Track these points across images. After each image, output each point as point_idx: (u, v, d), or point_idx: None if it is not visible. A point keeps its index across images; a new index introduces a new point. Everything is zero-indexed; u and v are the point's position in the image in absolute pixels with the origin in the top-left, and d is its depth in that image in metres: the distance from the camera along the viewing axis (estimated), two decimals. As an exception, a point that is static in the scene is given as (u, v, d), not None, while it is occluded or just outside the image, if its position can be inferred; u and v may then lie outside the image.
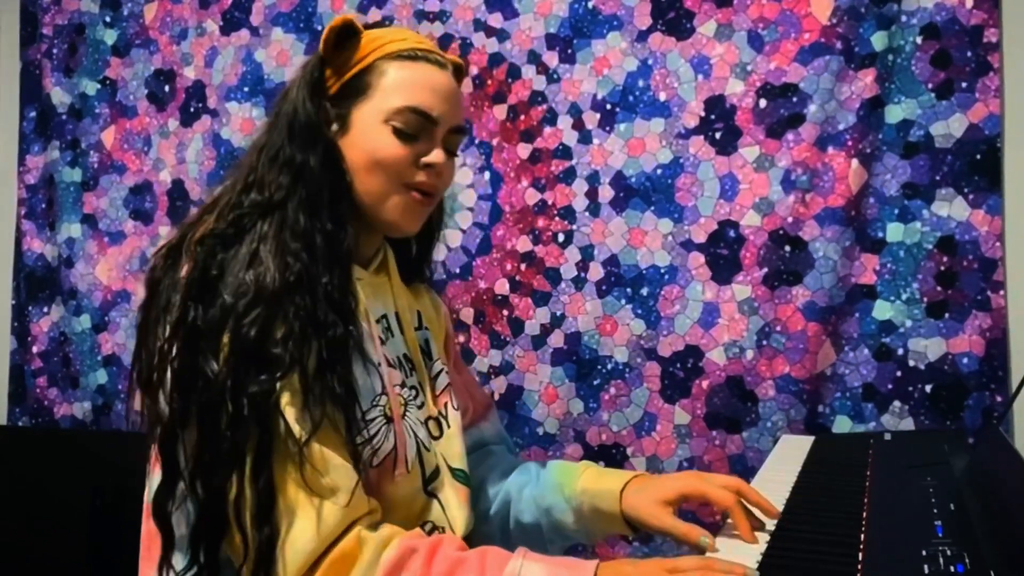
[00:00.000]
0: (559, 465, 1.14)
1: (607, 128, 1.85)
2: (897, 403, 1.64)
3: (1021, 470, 0.99)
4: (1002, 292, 1.59)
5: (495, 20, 1.95)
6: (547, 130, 1.90)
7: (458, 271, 1.97)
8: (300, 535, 0.83)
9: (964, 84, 1.62)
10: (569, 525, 1.08)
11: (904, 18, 1.65)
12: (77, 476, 2.11)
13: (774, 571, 0.84)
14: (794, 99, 1.71)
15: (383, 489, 0.94)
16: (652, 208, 1.81)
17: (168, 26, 2.30)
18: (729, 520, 0.97)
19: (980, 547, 0.82)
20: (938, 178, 1.64)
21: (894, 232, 1.66)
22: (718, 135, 1.77)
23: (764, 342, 1.72)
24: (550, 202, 1.90)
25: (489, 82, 1.96)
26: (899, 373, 1.65)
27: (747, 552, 0.90)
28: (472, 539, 1.06)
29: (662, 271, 1.80)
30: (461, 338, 1.96)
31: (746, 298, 1.74)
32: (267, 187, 0.94)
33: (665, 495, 1.00)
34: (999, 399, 1.58)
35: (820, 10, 1.69)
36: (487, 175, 1.95)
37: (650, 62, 1.82)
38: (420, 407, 1.04)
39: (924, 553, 0.81)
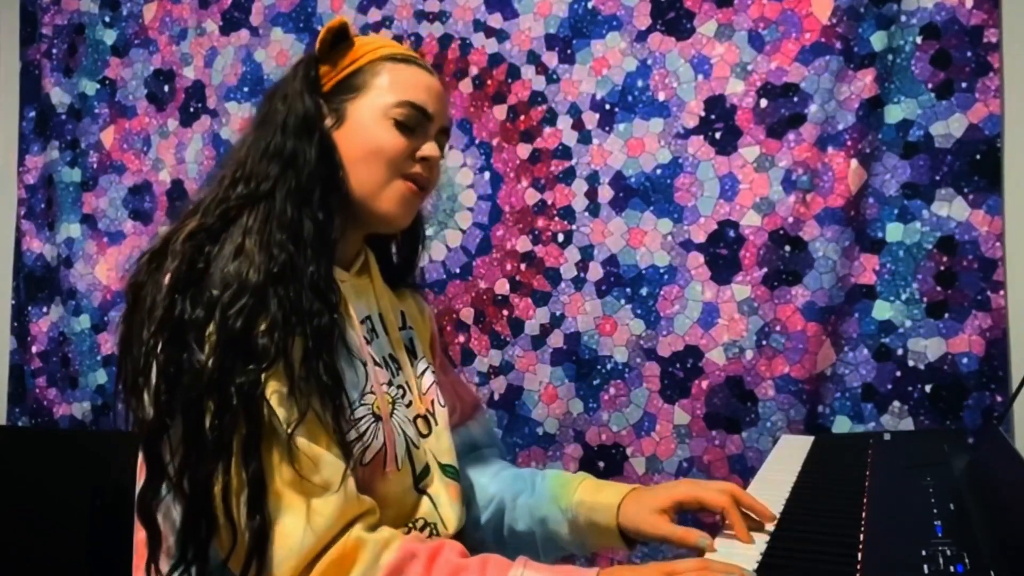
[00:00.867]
0: (555, 475, 1.14)
1: (606, 128, 1.85)
2: (897, 403, 1.64)
3: (1021, 470, 0.99)
4: (1002, 292, 1.59)
5: (495, 20, 1.95)
6: (547, 130, 1.90)
7: (458, 271, 1.97)
8: (292, 532, 0.83)
9: (964, 84, 1.62)
10: (564, 536, 1.08)
11: (904, 18, 1.65)
12: (76, 476, 2.10)
13: (773, 571, 0.84)
14: (795, 99, 1.71)
15: (374, 487, 0.94)
16: (652, 208, 1.81)
17: (168, 26, 2.30)
18: (726, 522, 0.97)
19: (980, 547, 0.82)
20: (938, 178, 1.64)
21: (894, 232, 1.66)
22: (718, 135, 1.77)
23: (764, 342, 1.72)
24: (550, 202, 1.90)
25: (489, 82, 1.96)
26: (899, 373, 1.65)
27: (747, 552, 0.90)
28: (465, 545, 1.06)
29: (661, 271, 1.80)
30: (461, 338, 1.96)
31: (746, 298, 1.74)
32: (255, 178, 0.96)
33: (661, 504, 1.00)
34: (999, 399, 1.58)
35: (820, 10, 1.69)
36: (487, 175, 1.95)
37: (649, 62, 1.82)
38: (408, 405, 1.04)
39: (924, 553, 0.81)
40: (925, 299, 1.64)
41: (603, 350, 1.84)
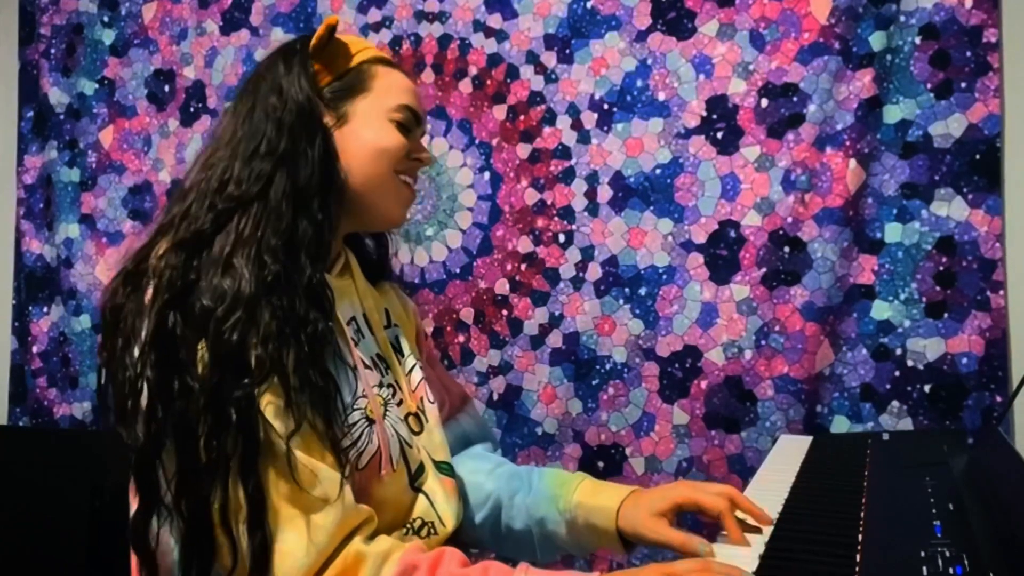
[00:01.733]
0: (553, 474, 1.13)
1: (605, 128, 1.85)
2: (895, 403, 1.64)
3: (1021, 470, 0.99)
4: (1002, 292, 1.59)
5: (494, 21, 1.95)
6: (546, 130, 1.90)
7: (458, 271, 1.97)
8: (294, 549, 0.81)
9: (963, 84, 1.62)
10: (562, 537, 1.08)
11: (903, 18, 1.65)
12: (76, 476, 2.10)
13: (773, 571, 0.84)
14: (795, 99, 1.71)
15: (371, 491, 0.93)
16: (651, 208, 1.81)
17: (167, 26, 2.30)
18: (728, 525, 0.97)
19: (979, 548, 0.82)
20: (937, 178, 1.64)
21: (893, 232, 1.66)
22: (719, 135, 1.77)
23: (763, 342, 1.72)
24: (549, 202, 1.90)
25: (488, 82, 1.96)
26: (897, 373, 1.65)
27: (746, 552, 0.90)
28: (462, 543, 1.06)
29: (660, 271, 1.80)
30: (461, 338, 1.96)
31: (745, 298, 1.74)
32: (244, 180, 0.92)
33: (659, 507, 1.00)
34: (999, 399, 1.58)
35: (819, 10, 1.69)
36: (487, 175, 1.95)
37: (649, 62, 1.82)
38: (399, 404, 1.04)
39: (923, 554, 0.81)
40: (924, 299, 1.64)
41: (602, 350, 1.84)
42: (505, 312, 1.93)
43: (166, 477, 0.82)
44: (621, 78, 1.84)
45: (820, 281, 1.69)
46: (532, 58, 1.92)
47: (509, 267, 1.93)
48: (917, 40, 1.65)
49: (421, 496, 1.01)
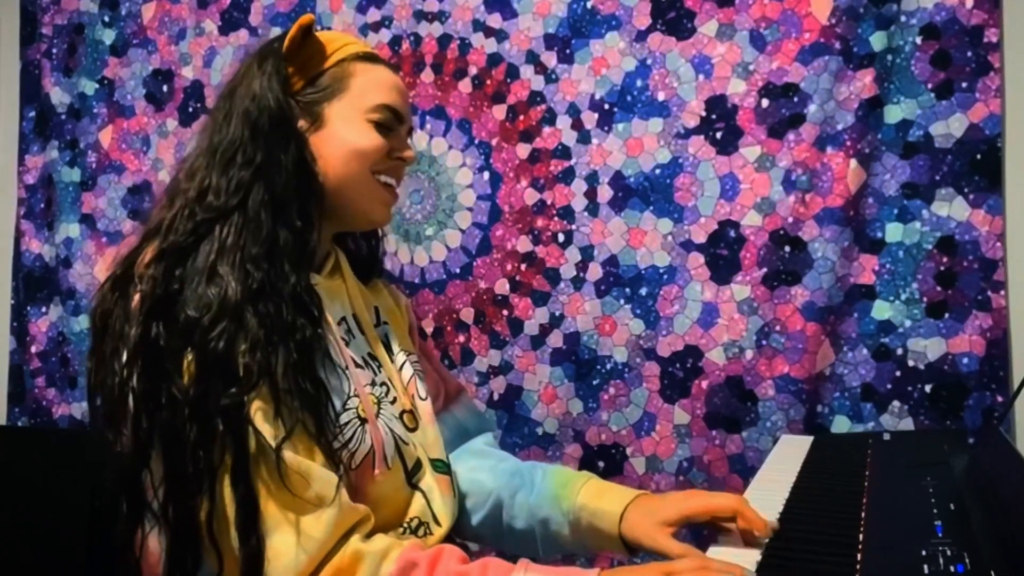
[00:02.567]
0: (557, 473, 1.12)
1: (605, 128, 1.85)
2: (896, 403, 1.64)
3: (1021, 470, 0.99)
4: (1003, 292, 1.59)
5: (494, 20, 1.95)
6: (546, 130, 1.90)
7: (458, 271, 1.97)
8: (287, 551, 0.81)
9: (964, 84, 1.62)
10: (565, 537, 1.07)
11: (904, 18, 1.65)
12: (76, 476, 2.10)
13: (773, 571, 0.84)
14: (795, 99, 1.71)
15: (365, 490, 0.93)
16: (651, 208, 1.81)
17: (166, 26, 2.30)
18: (729, 525, 0.96)
19: (980, 547, 0.81)
20: (938, 178, 1.63)
21: (893, 232, 1.66)
22: (719, 135, 1.76)
23: (763, 342, 1.71)
24: (549, 202, 1.89)
25: (488, 82, 1.95)
26: (898, 373, 1.64)
27: (746, 552, 0.90)
28: (461, 541, 1.06)
29: (661, 271, 1.80)
30: (461, 338, 1.96)
31: (745, 298, 1.73)
32: (224, 190, 0.92)
33: (666, 517, 0.98)
34: (999, 399, 1.58)
35: (820, 10, 1.69)
36: (486, 175, 1.95)
37: (649, 62, 1.82)
38: (393, 402, 1.04)
39: (924, 553, 0.81)
40: (925, 299, 1.63)
41: (603, 350, 1.84)
42: (505, 312, 1.93)
43: (153, 484, 0.82)
44: (621, 78, 1.84)
45: (821, 281, 1.68)
46: (532, 58, 1.92)
47: (509, 267, 1.93)
48: (918, 40, 1.64)
49: (418, 494, 1.01)
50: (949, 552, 0.80)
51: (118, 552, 0.85)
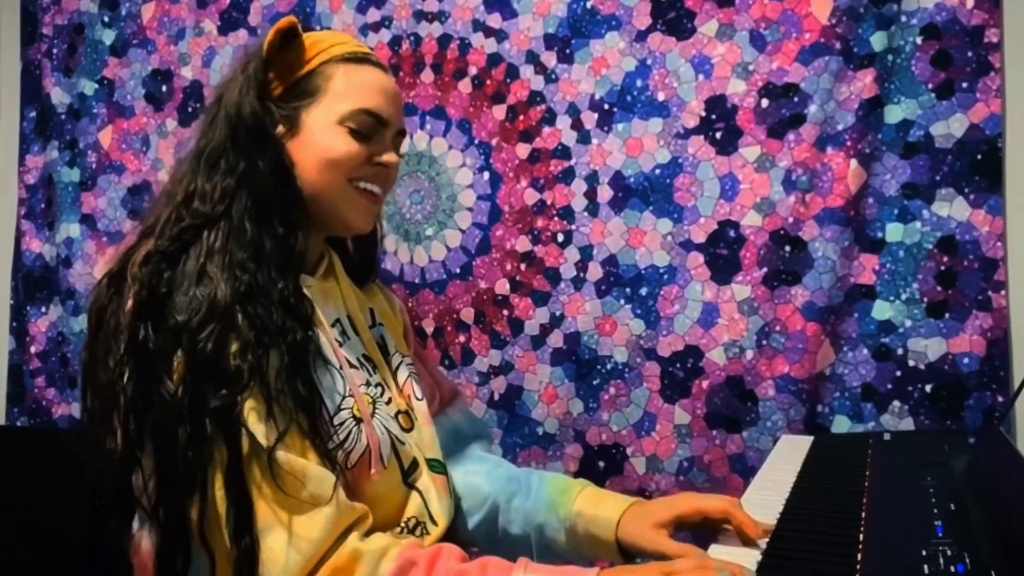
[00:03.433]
0: (553, 480, 1.12)
1: (605, 128, 1.85)
2: (896, 403, 1.64)
3: (1022, 470, 0.98)
4: (1003, 292, 1.59)
5: (494, 20, 1.95)
6: (546, 130, 1.90)
7: (458, 271, 1.97)
8: (281, 550, 0.81)
9: (965, 84, 1.61)
10: (560, 544, 1.07)
11: (904, 18, 1.65)
12: (76, 476, 2.10)
13: (773, 571, 0.84)
14: (795, 99, 1.71)
15: (362, 489, 0.93)
16: (651, 208, 1.81)
17: (166, 26, 2.30)
18: (728, 526, 0.97)
19: (980, 547, 0.81)
20: (938, 178, 1.63)
21: (894, 232, 1.66)
22: (719, 135, 1.76)
23: (764, 342, 1.71)
24: (549, 202, 1.89)
25: (488, 82, 1.95)
26: (898, 373, 1.64)
27: (746, 552, 0.90)
28: (457, 544, 1.06)
29: (661, 271, 1.80)
30: (461, 338, 1.96)
31: (746, 298, 1.73)
32: (209, 196, 0.93)
33: (660, 519, 0.99)
34: (1000, 399, 1.58)
35: (820, 10, 1.69)
36: (486, 175, 1.95)
37: (649, 62, 1.82)
38: (388, 403, 1.04)
39: (924, 553, 0.81)
40: (925, 299, 1.63)
41: (603, 350, 1.84)
42: (505, 312, 1.93)
43: (145, 483, 0.82)
44: (621, 78, 1.84)
45: (821, 281, 1.68)
46: (532, 58, 1.91)
47: (509, 267, 1.93)
48: (918, 40, 1.64)
49: (414, 493, 1.01)
50: (949, 552, 0.80)
51: (110, 548, 0.86)
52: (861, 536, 0.90)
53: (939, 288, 1.63)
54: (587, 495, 1.08)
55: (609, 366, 1.83)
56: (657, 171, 1.81)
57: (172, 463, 0.81)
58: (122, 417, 0.83)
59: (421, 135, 2.00)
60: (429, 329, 1.99)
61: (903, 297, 1.65)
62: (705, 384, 1.76)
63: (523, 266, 1.92)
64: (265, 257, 0.91)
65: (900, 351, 1.64)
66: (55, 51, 2.44)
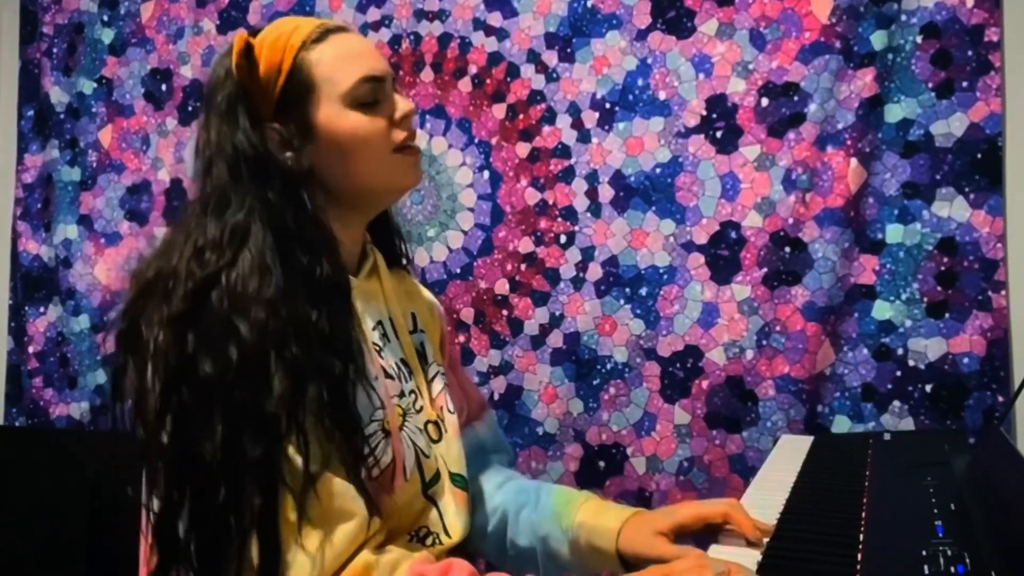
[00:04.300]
0: (559, 491, 1.12)
1: (606, 127, 1.85)
2: (897, 403, 1.64)
3: (1022, 470, 0.98)
4: (1003, 292, 1.59)
5: (494, 19, 1.95)
6: (546, 129, 1.90)
7: (458, 271, 1.97)
8: (303, 565, 0.81)
9: (965, 83, 1.61)
10: (564, 556, 1.07)
11: (904, 17, 1.65)
12: (75, 476, 2.10)
13: (773, 571, 0.84)
14: (795, 98, 1.71)
15: (381, 500, 0.92)
16: (653, 208, 1.81)
17: (165, 25, 2.30)
18: (728, 526, 0.97)
19: (981, 547, 0.81)
20: (938, 177, 1.63)
21: (894, 233, 1.66)
22: (719, 134, 1.76)
23: (764, 342, 1.71)
24: (550, 201, 1.89)
25: (488, 81, 1.95)
26: (899, 373, 1.64)
27: (746, 551, 0.90)
28: (468, 554, 1.06)
29: (661, 271, 1.80)
30: (461, 338, 1.96)
31: (746, 298, 1.73)
32: (218, 244, 0.88)
33: (661, 527, 0.99)
34: (1000, 399, 1.57)
35: (820, 9, 1.69)
36: (486, 174, 1.95)
37: (649, 61, 1.82)
38: (419, 411, 1.03)
39: (924, 553, 0.80)
40: (925, 299, 1.63)
41: (603, 350, 1.84)
42: (505, 312, 1.93)
43: (185, 534, 0.81)
44: (622, 77, 1.84)
45: (821, 281, 1.68)
46: (533, 57, 1.91)
47: (509, 267, 1.93)
48: (918, 39, 1.64)
49: (431, 506, 1.00)
50: (949, 552, 0.80)
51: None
52: (861, 536, 0.90)
53: (939, 288, 1.62)
54: (589, 506, 1.07)
55: (609, 366, 1.83)
56: (658, 170, 1.80)
57: (212, 516, 0.80)
58: (163, 471, 0.82)
59: (421, 134, 2.00)
60: (429, 329, 1.99)
61: (903, 297, 1.65)
62: (705, 384, 1.75)
63: (523, 266, 1.91)
64: (293, 291, 0.86)
65: (900, 351, 1.64)
66: (54, 50, 2.44)
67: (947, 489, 1.02)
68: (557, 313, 1.88)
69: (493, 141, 1.94)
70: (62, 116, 2.42)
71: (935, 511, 0.94)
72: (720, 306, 1.75)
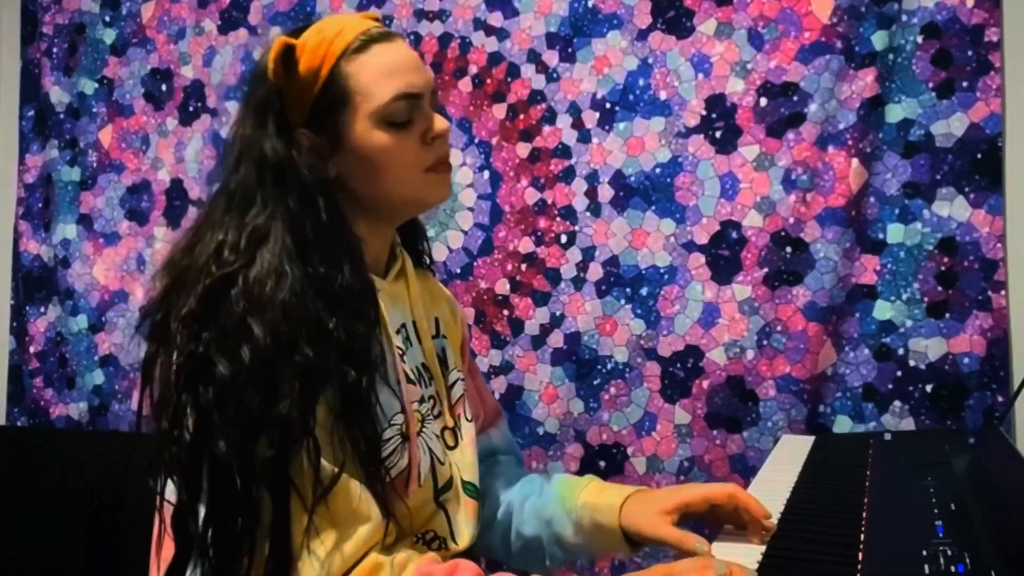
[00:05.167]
0: (563, 478, 1.13)
1: (606, 127, 1.85)
2: (897, 403, 1.64)
3: (1021, 470, 0.98)
4: (1003, 292, 1.59)
5: (495, 19, 1.95)
6: (546, 129, 1.90)
7: (459, 271, 1.97)
8: (312, 567, 0.81)
9: (965, 83, 1.61)
10: (569, 538, 1.07)
11: (905, 17, 1.65)
12: (75, 476, 2.10)
13: (774, 571, 0.84)
14: (794, 98, 1.71)
15: (393, 503, 0.91)
16: (653, 208, 1.81)
17: (166, 25, 2.30)
18: (728, 528, 0.98)
19: (981, 547, 0.81)
20: (939, 177, 1.63)
21: (895, 233, 1.66)
22: (718, 134, 1.76)
23: (765, 342, 1.71)
24: (550, 201, 1.89)
25: (488, 81, 1.95)
26: (899, 373, 1.64)
27: (748, 551, 0.90)
28: (475, 549, 1.06)
29: (662, 271, 1.80)
30: (460, 338, 1.96)
31: (746, 298, 1.73)
32: (237, 245, 0.88)
33: (665, 506, 0.99)
34: (1000, 399, 1.58)
35: (820, 9, 1.69)
36: (486, 174, 1.95)
37: (650, 61, 1.82)
38: (437, 417, 1.02)
39: (925, 553, 0.81)
40: (926, 299, 1.63)
41: (603, 350, 1.84)
42: (506, 312, 1.93)
43: (202, 527, 0.82)
44: (623, 77, 1.84)
45: (822, 281, 1.68)
46: (533, 57, 1.91)
47: (509, 267, 1.93)
48: (919, 39, 1.64)
49: (441, 512, 1.00)
50: (950, 552, 0.80)
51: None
52: (862, 536, 0.90)
53: (940, 288, 1.62)
54: (593, 487, 1.09)
55: (609, 366, 1.83)
56: (658, 170, 1.81)
57: (225, 516, 0.81)
58: (180, 469, 0.83)
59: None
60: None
61: (904, 297, 1.65)
62: (706, 384, 1.75)
63: (523, 266, 1.91)
64: (308, 296, 0.85)
65: (901, 351, 1.64)
66: (55, 50, 2.44)
67: (947, 489, 1.02)
68: (558, 313, 1.88)
69: (493, 141, 1.94)
70: (62, 116, 2.42)
71: (935, 511, 0.94)
72: (721, 306, 1.75)
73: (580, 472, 1.84)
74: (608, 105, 1.85)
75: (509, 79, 1.93)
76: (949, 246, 1.62)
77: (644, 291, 1.81)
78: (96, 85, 2.38)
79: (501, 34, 1.94)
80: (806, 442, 1.46)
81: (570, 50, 1.88)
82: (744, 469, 1.70)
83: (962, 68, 1.62)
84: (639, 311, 1.81)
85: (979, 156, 1.60)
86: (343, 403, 0.85)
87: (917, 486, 1.06)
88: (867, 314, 1.67)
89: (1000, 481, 1.00)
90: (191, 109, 2.26)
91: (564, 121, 1.88)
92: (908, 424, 1.63)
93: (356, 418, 0.86)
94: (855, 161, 1.66)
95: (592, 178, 1.86)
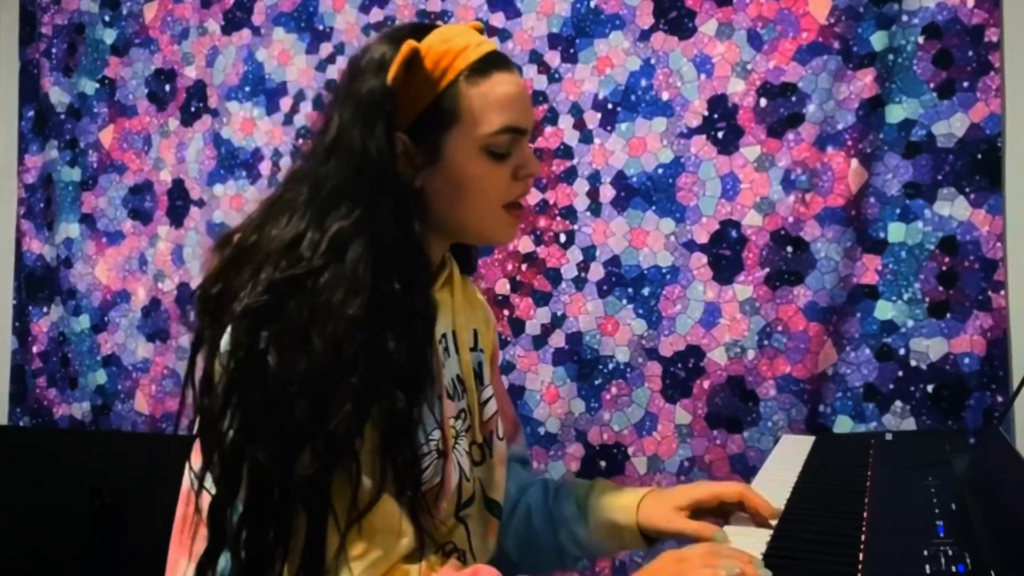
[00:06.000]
0: (576, 481, 1.16)
1: (608, 128, 1.85)
2: (898, 403, 1.64)
3: (1021, 470, 0.99)
4: (1003, 292, 1.59)
5: (497, 20, 1.95)
6: (548, 129, 1.90)
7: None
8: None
9: (965, 83, 1.62)
10: (582, 537, 1.09)
11: (905, 18, 1.65)
12: (77, 476, 2.10)
13: (774, 570, 0.84)
14: (793, 98, 1.71)
15: (422, 517, 0.90)
16: (654, 208, 1.81)
17: (169, 25, 2.30)
18: (743, 513, 1.01)
19: (981, 547, 0.82)
20: (939, 177, 1.63)
21: (896, 232, 1.66)
22: (720, 134, 1.76)
23: (765, 342, 1.71)
24: (551, 201, 1.90)
25: (490, 82, 1.95)
26: (900, 373, 1.64)
27: (751, 547, 0.90)
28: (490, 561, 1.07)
29: (663, 271, 1.80)
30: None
31: (747, 298, 1.73)
32: (317, 244, 0.84)
33: (679, 502, 1.03)
34: (1000, 399, 1.58)
35: (818, 9, 1.69)
36: (488, 175, 1.95)
37: (652, 61, 1.82)
38: (467, 431, 1.02)
39: (925, 553, 0.81)
40: (927, 299, 1.64)
41: (604, 350, 1.84)
42: (507, 312, 1.93)
43: (237, 523, 0.82)
44: (626, 77, 1.84)
45: (823, 281, 1.68)
46: (536, 57, 1.92)
47: (510, 267, 1.93)
48: (920, 39, 1.64)
49: (461, 527, 1.01)
50: (950, 552, 0.80)
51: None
52: (863, 536, 0.90)
53: (940, 288, 1.63)
54: (605, 486, 1.12)
55: (611, 366, 1.83)
56: (660, 171, 1.81)
57: (259, 525, 0.80)
58: (222, 462, 0.82)
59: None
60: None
61: (905, 297, 1.65)
62: (706, 384, 1.76)
63: (524, 266, 1.92)
64: (377, 315, 0.83)
65: (902, 351, 1.65)
66: (54, 50, 2.44)
67: (948, 489, 1.03)
68: (559, 313, 1.88)
69: (495, 141, 1.94)
70: (62, 116, 2.42)
71: (936, 511, 0.94)
72: (722, 306, 1.75)
73: (581, 473, 1.84)
74: (610, 106, 1.85)
75: (510, 79, 1.93)
76: (950, 245, 1.62)
77: (646, 291, 1.81)
78: (97, 85, 2.38)
79: (503, 35, 1.94)
80: (806, 442, 1.46)
81: (572, 51, 1.88)
82: (744, 469, 1.71)
83: (962, 68, 1.62)
84: (640, 311, 1.81)
85: (979, 156, 1.61)
86: (388, 426, 0.84)
87: (918, 486, 1.06)
88: (868, 314, 1.67)
89: (1000, 481, 1.00)
90: (193, 109, 2.26)
91: (566, 121, 1.88)
92: (909, 424, 1.63)
93: (399, 441, 0.85)
94: (854, 161, 1.66)
95: (594, 179, 1.86)
